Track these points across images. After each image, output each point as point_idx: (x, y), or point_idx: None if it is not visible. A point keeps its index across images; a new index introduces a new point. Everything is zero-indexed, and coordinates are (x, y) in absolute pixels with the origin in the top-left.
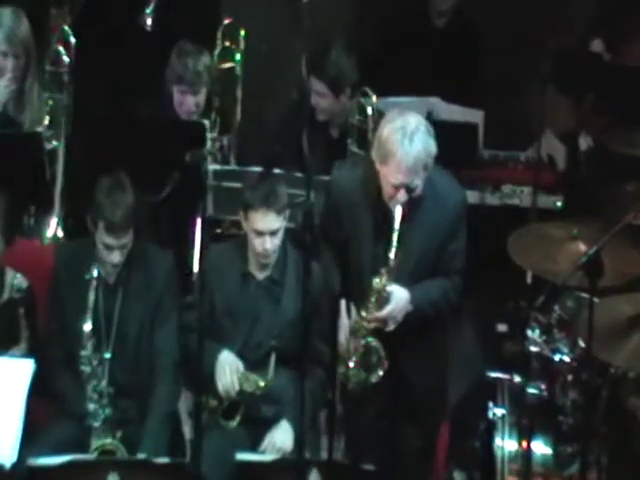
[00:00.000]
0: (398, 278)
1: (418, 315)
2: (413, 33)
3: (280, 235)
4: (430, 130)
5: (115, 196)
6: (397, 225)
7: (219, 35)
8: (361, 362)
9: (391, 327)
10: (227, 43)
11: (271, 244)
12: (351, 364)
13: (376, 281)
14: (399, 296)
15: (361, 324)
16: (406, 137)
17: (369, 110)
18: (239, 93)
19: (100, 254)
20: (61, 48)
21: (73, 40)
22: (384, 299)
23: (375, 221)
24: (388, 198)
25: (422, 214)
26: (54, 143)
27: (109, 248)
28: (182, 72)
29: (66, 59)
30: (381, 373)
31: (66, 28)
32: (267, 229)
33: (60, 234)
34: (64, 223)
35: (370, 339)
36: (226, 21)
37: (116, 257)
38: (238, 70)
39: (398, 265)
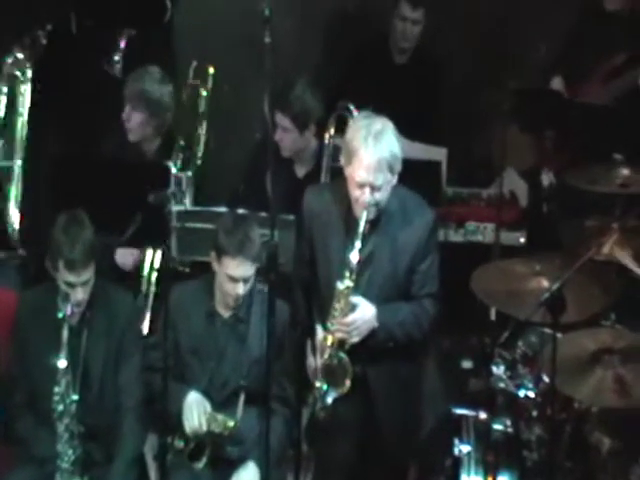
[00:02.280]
0: (367, 296)
1: (386, 335)
2: (374, 70)
3: (252, 280)
4: (397, 134)
5: (72, 232)
6: (362, 227)
7: (190, 74)
8: (327, 375)
9: (354, 339)
10: (195, 81)
11: (243, 289)
12: (317, 383)
13: (339, 284)
14: (364, 308)
15: (326, 339)
16: (370, 135)
17: (350, 124)
18: (203, 131)
19: (62, 293)
20: (21, 55)
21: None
22: (349, 307)
23: (345, 236)
24: (354, 201)
25: (391, 231)
26: (8, 163)
27: (71, 286)
28: (138, 89)
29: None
30: (348, 383)
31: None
32: (241, 276)
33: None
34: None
35: (335, 352)
36: (194, 63)
37: (79, 294)
38: (203, 107)
39: (366, 284)
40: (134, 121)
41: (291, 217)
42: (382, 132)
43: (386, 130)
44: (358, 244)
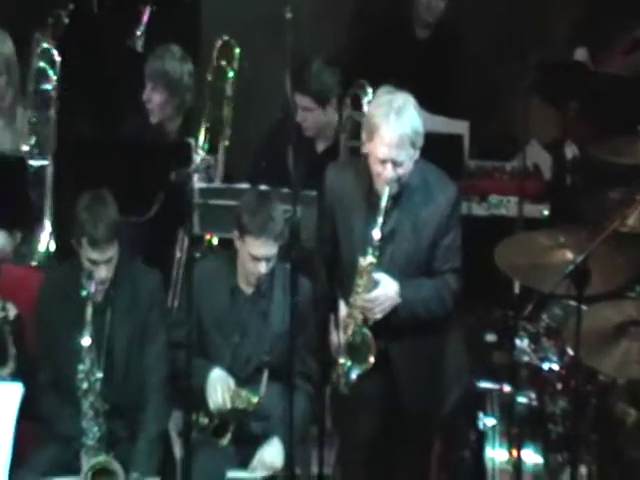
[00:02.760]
0: (389, 272)
1: (409, 311)
2: (396, 44)
3: (274, 258)
4: (418, 108)
5: (96, 210)
6: (384, 203)
7: (214, 54)
8: (350, 352)
9: (377, 315)
10: (222, 62)
11: (266, 268)
12: (341, 360)
13: (361, 260)
14: (387, 284)
15: (350, 315)
16: (392, 111)
17: (364, 103)
18: (229, 112)
19: (87, 271)
20: (46, 65)
21: (58, 58)
22: (371, 283)
23: (367, 213)
24: (376, 176)
25: (413, 206)
26: (41, 162)
27: (94, 263)
28: (158, 68)
29: (53, 75)
30: (371, 360)
31: (49, 47)
32: (264, 256)
33: (52, 248)
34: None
35: (359, 328)
36: (222, 39)
37: (102, 272)
38: (229, 90)
39: (389, 259)
40: (154, 102)
41: (313, 193)
42: (403, 107)
43: (407, 105)
44: (380, 220)
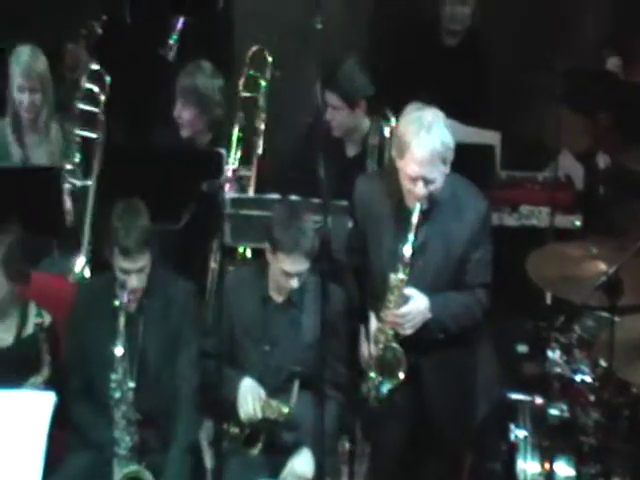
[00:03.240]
0: (419, 287)
1: (439, 326)
2: (425, 53)
3: (306, 272)
4: (448, 124)
5: (127, 219)
6: (415, 219)
7: (246, 64)
8: (381, 367)
9: (408, 330)
10: (252, 71)
11: (297, 283)
12: (372, 374)
13: (392, 276)
14: (417, 300)
15: (381, 330)
16: (423, 128)
17: (387, 132)
18: (261, 123)
19: (119, 281)
20: (94, 87)
21: (108, 79)
22: (402, 299)
23: (397, 227)
24: (407, 193)
25: (443, 220)
26: (86, 182)
27: (126, 273)
28: (189, 85)
29: (101, 98)
30: (401, 375)
31: (97, 66)
32: (296, 272)
33: (87, 273)
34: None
35: (389, 343)
36: (253, 48)
37: (134, 281)
38: (262, 100)
39: (419, 272)
40: (185, 118)
41: (344, 203)
42: (433, 124)
43: (437, 121)
44: (411, 237)
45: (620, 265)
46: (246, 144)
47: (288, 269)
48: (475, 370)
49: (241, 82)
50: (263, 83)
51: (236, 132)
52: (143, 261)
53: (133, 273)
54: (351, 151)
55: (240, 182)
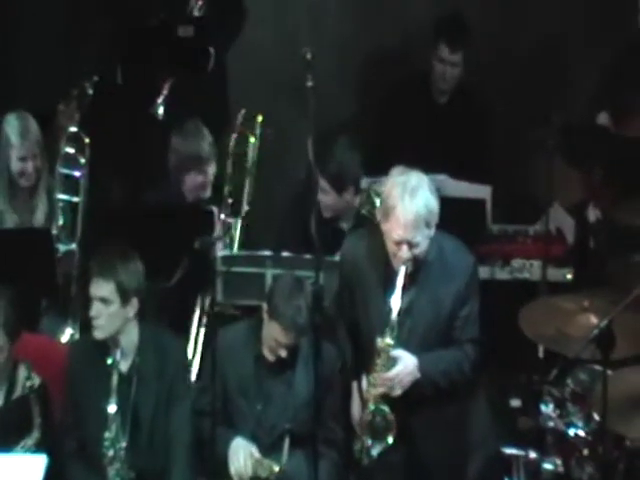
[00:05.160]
0: (408, 347)
1: (429, 385)
2: (416, 111)
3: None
4: (432, 188)
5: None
6: (400, 283)
7: (237, 122)
8: (370, 430)
9: (398, 392)
10: (245, 130)
11: (286, 353)
12: (363, 437)
13: (379, 340)
14: (406, 361)
15: (370, 392)
16: (407, 192)
17: (377, 203)
18: (251, 179)
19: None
20: (72, 150)
21: (86, 140)
22: (391, 361)
23: (384, 289)
24: (392, 256)
25: (430, 280)
26: (68, 247)
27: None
28: (191, 153)
29: (82, 161)
30: (391, 440)
31: (75, 129)
32: (287, 344)
33: (77, 334)
34: (81, 322)
35: (379, 406)
36: (242, 111)
37: (93, 310)
38: (251, 156)
39: (408, 332)
40: (187, 185)
41: (336, 258)
42: (417, 188)
43: (421, 186)
44: (397, 300)
45: (612, 318)
46: (236, 199)
47: (280, 339)
48: (467, 426)
49: (232, 140)
50: (252, 140)
51: (227, 187)
52: (105, 291)
53: (95, 301)
54: (344, 225)
55: (229, 234)
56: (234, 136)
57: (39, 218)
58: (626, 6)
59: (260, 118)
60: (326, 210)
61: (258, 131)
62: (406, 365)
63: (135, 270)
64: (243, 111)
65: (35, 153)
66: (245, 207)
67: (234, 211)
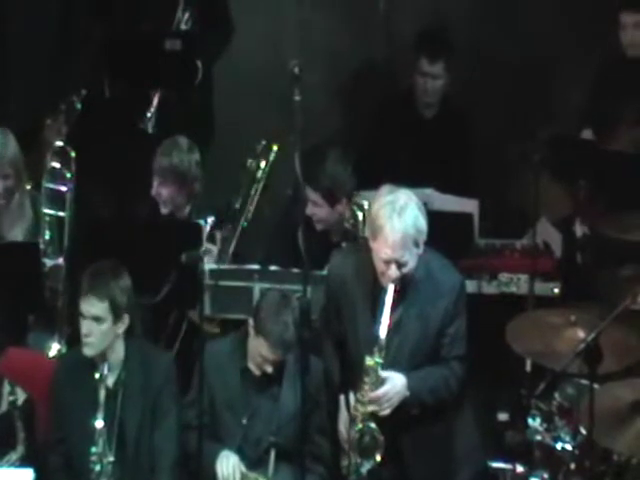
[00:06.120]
0: (396, 364)
1: (417, 403)
2: (402, 125)
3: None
4: (421, 207)
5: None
6: (388, 302)
7: (257, 151)
8: (358, 448)
9: (386, 411)
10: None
11: (272, 369)
12: (350, 453)
13: (368, 359)
14: (394, 380)
15: (358, 409)
16: (395, 212)
17: (360, 216)
18: (257, 195)
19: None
20: (58, 164)
21: (72, 154)
22: (379, 380)
23: (372, 307)
24: (380, 274)
25: (418, 298)
26: (54, 261)
27: (82, 317)
28: (166, 164)
29: (67, 174)
30: (378, 458)
31: (61, 143)
32: (273, 360)
33: (63, 351)
34: (67, 336)
35: (367, 424)
36: (263, 142)
37: (84, 328)
38: (261, 174)
39: (396, 350)
40: (164, 195)
41: (324, 272)
42: (405, 208)
43: (409, 205)
44: (385, 319)
45: (599, 332)
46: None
47: (265, 355)
48: (454, 441)
49: (248, 167)
50: (263, 163)
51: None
52: (98, 310)
53: (87, 319)
54: (335, 238)
55: (224, 248)
56: (250, 162)
57: (16, 235)
58: (609, 22)
59: (275, 148)
60: (319, 223)
61: (271, 158)
62: (394, 384)
63: (125, 286)
64: (263, 142)
65: (7, 173)
66: (244, 222)
67: (234, 226)
